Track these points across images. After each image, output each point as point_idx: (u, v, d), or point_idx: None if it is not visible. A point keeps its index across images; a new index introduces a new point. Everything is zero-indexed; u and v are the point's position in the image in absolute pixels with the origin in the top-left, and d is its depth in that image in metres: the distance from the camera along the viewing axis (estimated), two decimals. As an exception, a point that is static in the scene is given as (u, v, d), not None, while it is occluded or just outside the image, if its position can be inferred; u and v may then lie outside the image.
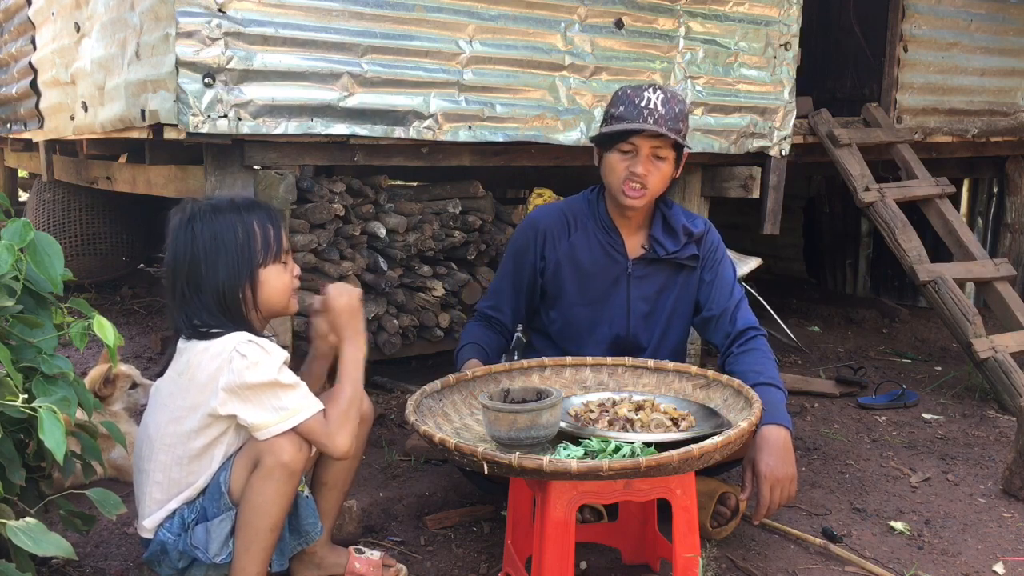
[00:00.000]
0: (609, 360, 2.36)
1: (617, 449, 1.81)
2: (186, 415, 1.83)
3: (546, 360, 2.35)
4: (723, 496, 2.39)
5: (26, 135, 4.86)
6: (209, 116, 2.69)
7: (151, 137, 3.01)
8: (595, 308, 2.50)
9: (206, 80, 2.68)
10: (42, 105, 4.29)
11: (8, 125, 5.21)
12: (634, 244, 2.49)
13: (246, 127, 2.77)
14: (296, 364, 1.87)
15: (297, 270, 1.99)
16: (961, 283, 4.06)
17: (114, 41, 3.18)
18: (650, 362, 2.34)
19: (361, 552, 2.13)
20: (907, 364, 4.49)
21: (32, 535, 1.45)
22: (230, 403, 1.77)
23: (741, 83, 3.82)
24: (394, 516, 2.54)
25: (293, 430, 1.79)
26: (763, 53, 3.85)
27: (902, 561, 2.36)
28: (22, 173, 7.51)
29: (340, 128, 2.95)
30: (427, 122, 3.10)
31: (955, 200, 5.14)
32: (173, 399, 1.86)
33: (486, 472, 1.76)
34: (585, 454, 1.82)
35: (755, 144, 3.91)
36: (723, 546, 2.38)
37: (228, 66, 2.71)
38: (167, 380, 1.90)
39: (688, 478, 1.86)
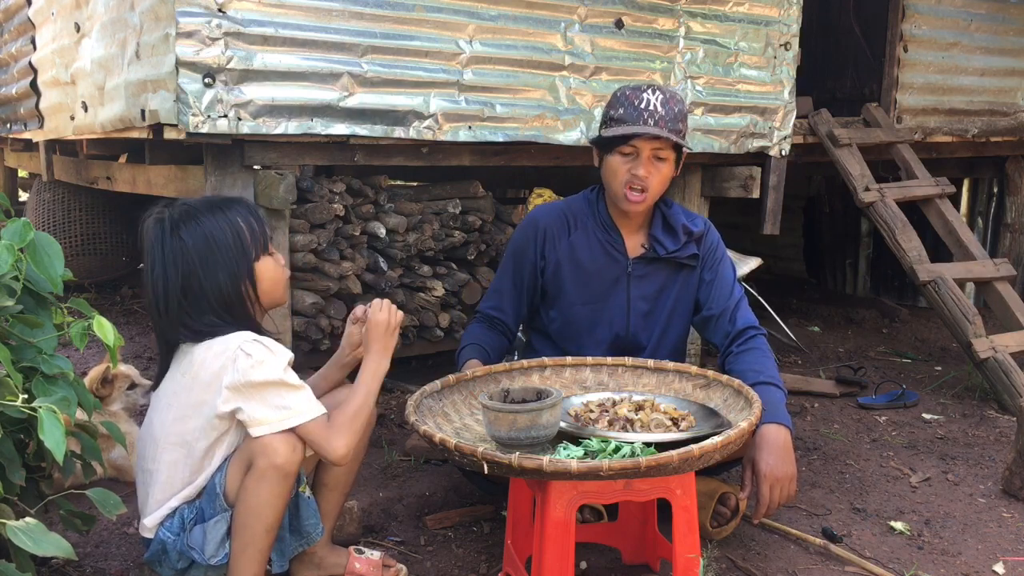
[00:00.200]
0: (609, 360, 2.36)
1: (617, 449, 1.81)
2: (191, 413, 1.83)
3: (546, 360, 2.35)
4: (723, 496, 2.39)
5: (26, 135, 4.86)
6: (209, 116, 2.69)
7: (151, 137, 3.01)
8: (595, 307, 2.50)
9: (206, 80, 2.68)
10: (42, 105, 4.29)
11: (8, 125, 5.21)
12: (634, 243, 2.49)
13: (246, 127, 2.77)
14: (296, 364, 1.87)
15: (284, 259, 2.00)
16: (961, 283, 4.06)
17: (114, 41, 3.19)
18: (650, 362, 2.34)
19: (361, 552, 2.13)
20: (907, 364, 4.49)
21: (32, 535, 1.45)
22: (233, 400, 1.77)
23: (741, 83, 3.82)
24: (394, 516, 2.54)
25: (290, 431, 1.79)
26: (763, 53, 3.85)
27: (902, 561, 2.36)
28: (22, 173, 7.51)
29: (340, 128, 2.95)
30: (427, 122, 3.10)
31: (955, 200, 5.15)
32: (178, 397, 1.86)
33: (486, 472, 1.76)
34: (585, 454, 1.82)
35: (755, 144, 3.91)
36: (723, 546, 2.38)
37: (228, 66, 2.71)
38: (170, 379, 1.90)
39: (688, 478, 1.86)
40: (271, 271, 1.93)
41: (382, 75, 3.00)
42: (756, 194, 3.91)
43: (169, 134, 2.79)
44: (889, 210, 4.11)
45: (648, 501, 2.14)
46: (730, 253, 2.67)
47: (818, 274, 6.42)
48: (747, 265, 4.11)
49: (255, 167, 2.95)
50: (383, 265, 3.41)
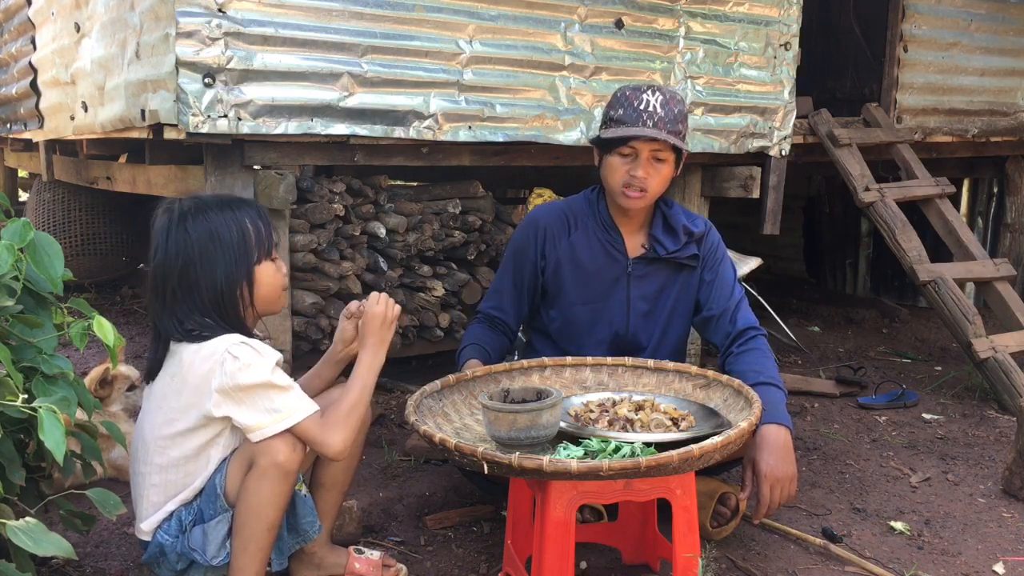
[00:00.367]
0: (609, 360, 2.36)
1: (617, 449, 1.81)
2: (180, 416, 1.83)
3: (546, 360, 2.35)
4: (723, 496, 2.39)
5: (26, 135, 4.86)
6: (209, 116, 2.70)
7: (151, 137, 3.01)
8: (595, 307, 2.50)
9: (206, 80, 2.68)
10: (42, 105, 4.29)
11: (8, 125, 5.21)
12: (634, 243, 2.49)
13: (246, 127, 2.77)
14: (296, 365, 1.87)
15: (285, 268, 2.00)
16: (961, 283, 4.06)
17: (114, 41, 3.19)
18: (650, 362, 2.34)
19: (361, 552, 2.13)
20: (907, 364, 4.49)
21: (32, 535, 1.45)
22: (224, 405, 1.77)
23: (741, 83, 3.82)
24: (394, 516, 2.54)
25: (288, 431, 1.79)
26: (763, 53, 3.85)
27: (902, 561, 2.36)
28: (22, 173, 7.51)
29: (340, 128, 2.95)
30: (427, 122, 3.10)
31: (955, 200, 5.14)
32: (167, 401, 1.85)
33: (486, 472, 1.76)
34: (585, 454, 1.82)
35: (755, 144, 3.91)
36: (723, 546, 2.38)
37: (228, 66, 2.71)
38: (160, 382, 1.89)
39: (688, 478, 1.86)
40: (270, 276, 1.92)
41: (382, 75, 3.00)
42: (756, 194, 3.91)
43: (169, 134, 2.79)
44: (889, 210, 4.11)
45: (648, 501, 2.14)
46: (730, 253, 2.67)
47: (818, 274, 6.42)
48: (747, 265, 4.11)
49: (255, 167, 2.95)
50: (383, 265, 3.41)
